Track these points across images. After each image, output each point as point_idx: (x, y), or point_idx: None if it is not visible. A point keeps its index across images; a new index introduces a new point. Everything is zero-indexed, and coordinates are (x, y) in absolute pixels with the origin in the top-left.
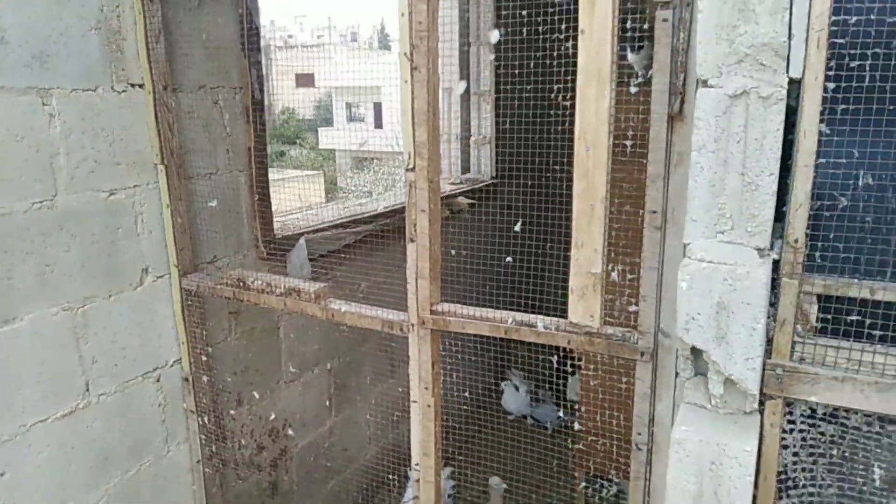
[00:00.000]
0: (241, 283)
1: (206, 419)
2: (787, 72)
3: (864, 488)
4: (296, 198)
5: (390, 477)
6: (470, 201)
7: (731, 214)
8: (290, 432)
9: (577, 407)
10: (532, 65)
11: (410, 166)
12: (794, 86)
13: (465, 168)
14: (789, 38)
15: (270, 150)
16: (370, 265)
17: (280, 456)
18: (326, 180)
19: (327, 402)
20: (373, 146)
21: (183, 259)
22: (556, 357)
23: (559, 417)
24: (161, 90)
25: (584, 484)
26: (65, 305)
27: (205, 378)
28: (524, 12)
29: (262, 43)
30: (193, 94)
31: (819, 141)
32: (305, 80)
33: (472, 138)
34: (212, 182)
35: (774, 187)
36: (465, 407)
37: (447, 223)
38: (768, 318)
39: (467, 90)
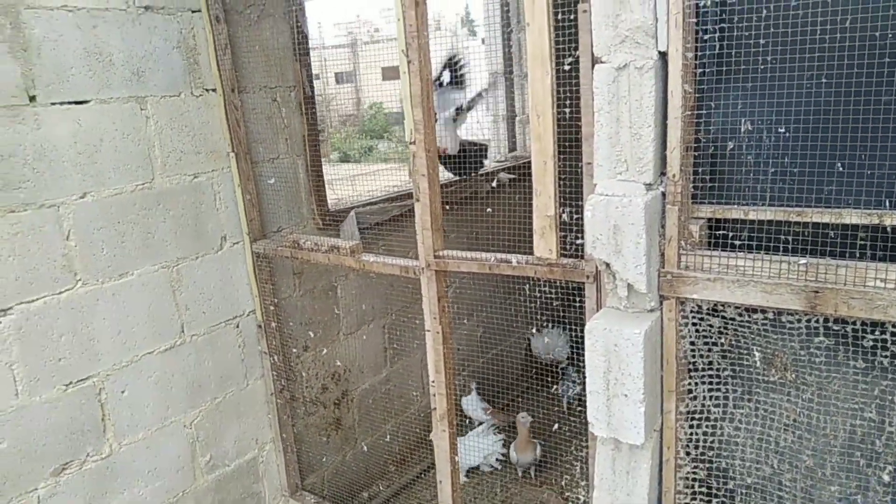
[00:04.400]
0: (297, 245)
1: (276, 359)
2: (657, 47)
3: (751, 369)
4: (381, 188)
5: None
6: (511, 176)
7: (625, 159)
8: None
9: None
10: None
11: (412, 140)
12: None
13: (513, 146)
14: (656, 21)
15: (360, 145)
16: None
17: (342, 397)
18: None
19: (383, 354)
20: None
21: (253, 228)
22: None
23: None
24: (229, 92)
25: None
26: (163, 263)
27: (273, 325)
28: None
29: (349, 39)
30: (256, 93)
31: (703, 97)
32: (392, 72)
33: (518, 118)
34: (274, 166)
35: (652, 136)
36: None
37: (491, 195)
38: (660, 236)
39: (511, 73)
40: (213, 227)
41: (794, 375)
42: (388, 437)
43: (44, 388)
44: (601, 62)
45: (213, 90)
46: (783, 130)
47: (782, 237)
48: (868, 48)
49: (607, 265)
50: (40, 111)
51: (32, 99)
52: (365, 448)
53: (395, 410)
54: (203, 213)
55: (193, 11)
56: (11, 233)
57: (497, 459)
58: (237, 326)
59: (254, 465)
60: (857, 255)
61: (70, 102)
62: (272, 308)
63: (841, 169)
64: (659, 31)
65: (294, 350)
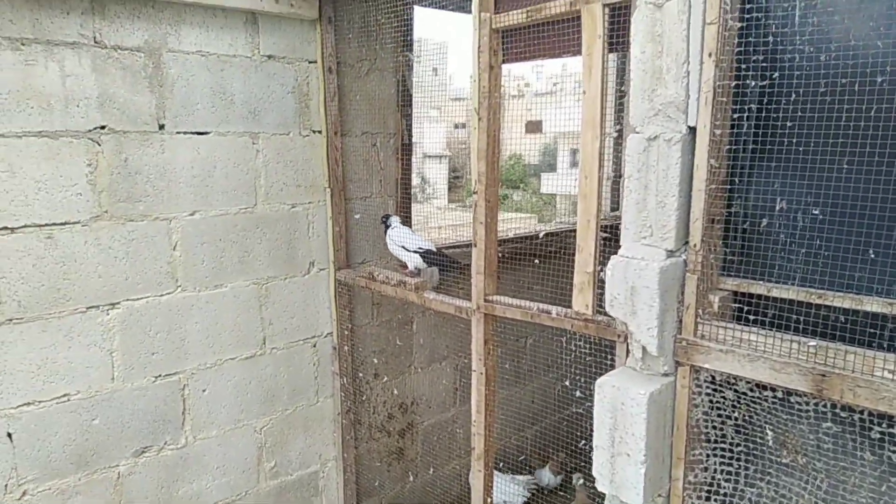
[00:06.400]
0: (371, 276)
1: (346, 381)
2: (687, 122)
3: (764, 448)
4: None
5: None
6: (603, 235)
7: (650, 224)
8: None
9: None
10: None
11: (474, 190)
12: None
13: (616, 206)
14: (687, 97)
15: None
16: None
17: (407, 428)
18: (543, 222)
19: (453, 393)
20: None
21: (338, 258)
22: None
23: None
24: (333, 135)
25: None
26: (255, 280)
27: (347, 348)
28: None
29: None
30: (357, 137)
31: (738, 173)
32: (534, 126)
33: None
34: (366, 204)
35: (676, 205)
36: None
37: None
38: (679, 303)
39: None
40: (303, 252)
41: (804, 460)
42: (451, 475)
43: (136, 377)
44: (635, 132)
45: (319, 132)
46: (818, 212)
47: (810, 317)
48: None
49: (626, 325)
50: (166, 138)
51: (161, 127)
52: (425, 482)
53: (460, 451)
54: (296, 239)
55: (310, 62)
56: (128, 238)
57: None
58: (314, 346)
59: (314, 479)
60: (886, 345)
61: (192, 133)
62: (347, 333)
63: (873, 256)
64: (690, 108)
65: (362, 375)
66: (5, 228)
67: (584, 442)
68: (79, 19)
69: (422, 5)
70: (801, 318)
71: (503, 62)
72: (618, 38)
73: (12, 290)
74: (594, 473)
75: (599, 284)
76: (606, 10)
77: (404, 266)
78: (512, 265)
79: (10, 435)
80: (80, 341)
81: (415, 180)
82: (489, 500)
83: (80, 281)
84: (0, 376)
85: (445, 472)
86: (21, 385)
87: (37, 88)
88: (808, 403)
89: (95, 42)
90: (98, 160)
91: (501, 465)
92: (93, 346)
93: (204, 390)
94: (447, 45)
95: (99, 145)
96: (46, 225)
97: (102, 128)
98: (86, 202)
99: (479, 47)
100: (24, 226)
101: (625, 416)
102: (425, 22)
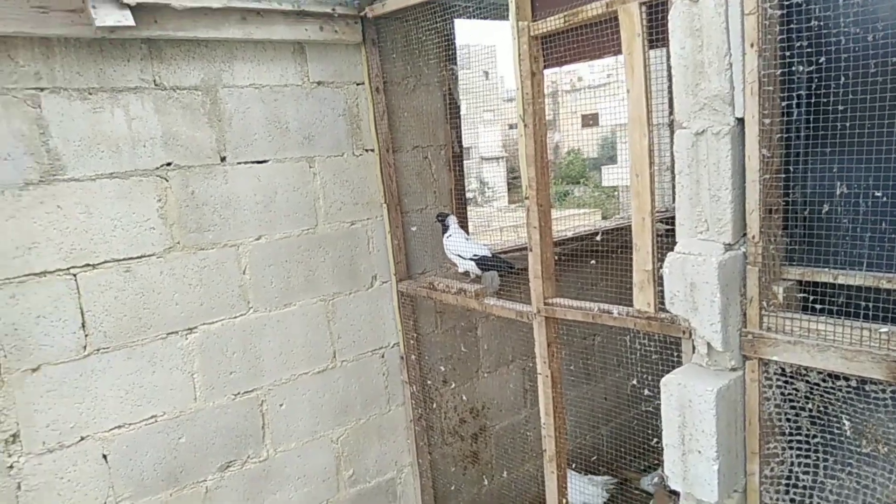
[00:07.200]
0: (432, 286)
1: (416, 388)
2: (734, 113)
3: (842, 438)
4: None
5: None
6: (667, 227)
7: (706, 219)
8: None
9: None
10: None
11: (526, 196)
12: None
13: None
14: (732, 89)
15: (555, 191)
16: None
17: (480, 432)
18: (607, 217)
19: (523, 395)
20: None
21: (399, 270)
22: None
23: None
24: (385, 152)
25: None
26: (321, 297)
27: (414, 357)
28: None
29: (548, 90)
30: (409, 152)
31: (795, 160)
32: (591, 119)
33: None
34: (422, 216)
35: (730, 198)
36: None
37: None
38: (741, 296)
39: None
40: (365, 267)
41: (886, 449)
42: (526, 477)
43: (217, 396)
44: (682, 127)
45: (371, 150)
46: (880, 195)
47: (880, 303)
48: None
49: (688, 321)
50: (228, 169)
51: (223, 159)
52: (501, 485)
53: (535, 452)
54: (357, 255)
55: (357, 84)
56: (200, 266)
57: None
58: (382, 356)
59: (392, 486)
60: None
61: (252, 162)
62: (413, 342)
63: None
64: (735, 99)
65: (430, 382)
66: (87, 265)
67: (655, 440)
68: (139, 65)
69: (462, 18)
70: (871, 304)
71: (545, 67)
72: (657, 34)
73: (98, 321)
74: (666, 472)
75: (660, 281)
76: (643, 8)
77: (466, 273)
78: (573, 265)
79: (105, 456)
80: (163, 365)
81: (473, 184)
82: (564, 501)
83: (159, 309)
84: (93, 402)
85: (520, 474)
86: (112, 409)
87: (105, 133)
88: (884, 391)
89: (156, 85)
90: (167, 195)
91: (574, 465)
92: (175, 370)
93: (281, 405)
94: (496, 47)
95: (167, 181)
96: (124, 259)
97: (168, 164)
98: (159, 235)
99: (519, 55)
100: (104, 261)
101: (693, 414)
102: (473, 27)
